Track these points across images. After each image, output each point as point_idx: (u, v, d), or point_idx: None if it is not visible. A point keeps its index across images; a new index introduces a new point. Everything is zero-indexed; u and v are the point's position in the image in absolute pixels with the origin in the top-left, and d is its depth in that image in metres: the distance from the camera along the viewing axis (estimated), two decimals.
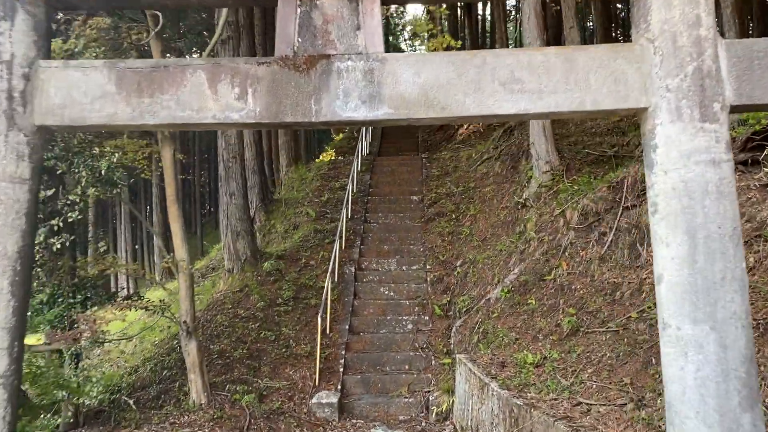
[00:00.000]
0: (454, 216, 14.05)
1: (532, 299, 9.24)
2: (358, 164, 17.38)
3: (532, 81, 3.11)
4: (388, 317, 11.35)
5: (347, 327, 11.04)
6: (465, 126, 22.73)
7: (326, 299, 10.82)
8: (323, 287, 11.78)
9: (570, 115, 3.25)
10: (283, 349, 10.34)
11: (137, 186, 49.44)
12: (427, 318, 11.24)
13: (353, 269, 12.68)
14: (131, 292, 35.31)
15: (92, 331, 7.37)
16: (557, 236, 10.00)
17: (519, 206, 12.21)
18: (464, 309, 10.54)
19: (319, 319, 9.96)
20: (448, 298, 11.34)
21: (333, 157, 19.75)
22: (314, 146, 33.48)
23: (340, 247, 13.31)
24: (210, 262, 20.27)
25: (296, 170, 19.87)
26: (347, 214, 14.71)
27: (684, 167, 2.94)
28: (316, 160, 19.90)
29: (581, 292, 8.70)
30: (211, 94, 3.17)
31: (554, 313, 8.68)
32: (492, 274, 10.82)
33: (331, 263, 11.35)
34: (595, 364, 6.89)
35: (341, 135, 27.60)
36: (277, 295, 11.62)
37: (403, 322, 11.26)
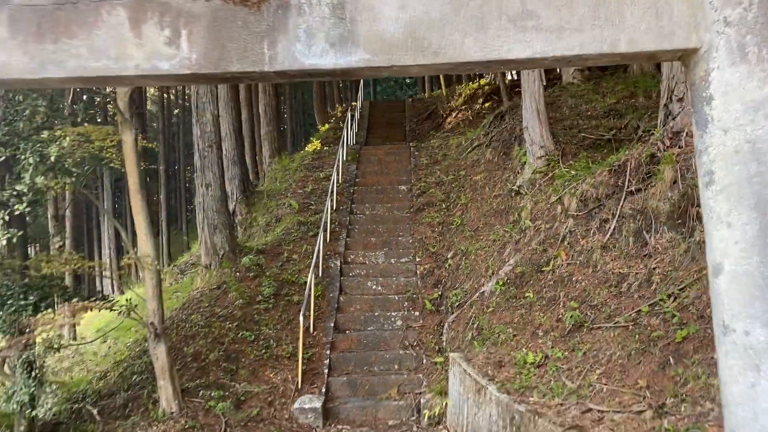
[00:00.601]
0: (444, 206, 13.37)
1: (530, 292, 8.59)
2: (343, 153, 16.65)
3: (551, 16, 2.40)
4: (376, 313, 10.66)
5: (332, 325, 10.34)
6: (454, 114, 22.08)
7: (309, 295, 10.11)
8: (306, 283, 11.08)
9: (598, 60, 2.55)
10: (263, 350, 9.63)
11: (119, 183, 48.32)
12: (417, 314, 10.55)
13: (339, 263, 11.98)
14: (115, 291, 34.43)
15: (47, 334, 6.63)
16: (555, 224, 9.34)
17: (512, 194, 11.54)
18: (457, 303, 9.87)
19: (302, 318, 9.25)
20: (440, 292, 10.67)
21: (318, 147, 19.00)
22: (300, 138, 32.70)
23: (325, 239, 12.60)
24: (191, 257, 19.50)
25: (280, 162, 19.09)
26: (332, 205, 13.99)
27: (751, 123, 2.26)
28: (301, 151, 19.14)
29: (583, 284, 8.05)
30: (133, 37, 2.44)
31: (554, 307, 8.02)
32: (486, 265, 10.15)
33: (314, 257, 10.64)
34: (604, 364, 6.23)
35: (326, 126, 26.86)
36: (257, 292, 10.89)
37: (392, 319, 10.57)
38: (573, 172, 10.17)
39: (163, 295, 8.75)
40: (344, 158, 16.68)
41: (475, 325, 8.98)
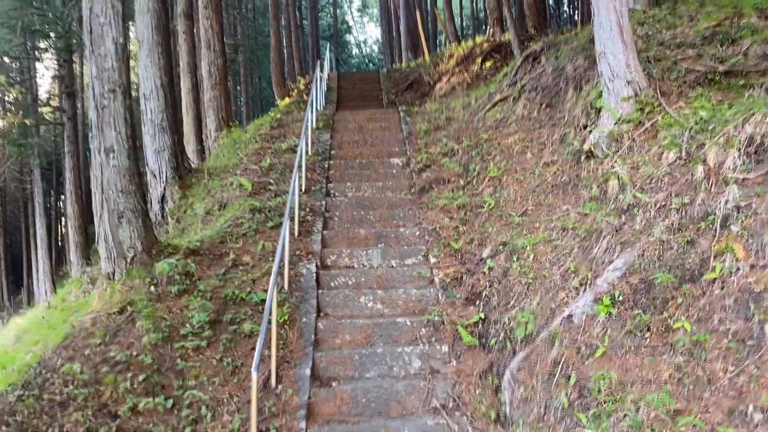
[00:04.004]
0: (462, 182, 9.32)
1: (682, 319, 4.63)
2: (312, 119, 12.45)
3: None
4: (378, 349, 6.56)
5: (308, 372, 6.19)
6: (445, 78, 18.07)
7: (269, 323, 5.97)
8: (263, 301, 6.91)
9: None
10: (188, 429, 5.42)
11: (50, 174, 43.15)
12: (445, 349, 6.49)
13: (314, 268, 7.82)
14: (48, 294, 29.32)
15: None
16: (698, 197, 5.38)
17: (579, 158, 7.57)
18: (522, 336, 5.81)
19: (254, 372, 5.02)
20: (481, 314, 6.60)
21: (278, 116, 14.73)
22: (257, 113, 28.19)
23: (292, 233, 8.45)
24: None
25: (229, 135, 14.75)
26: (301, 185, 9.81)
27: None
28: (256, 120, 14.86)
29: None
30: None
31: (745, 350, 4.10)
32: (563, 270, 6.13)
33: (276, 260, 6.44)
34: None
35: (287, 100, 22.57)
36: (184, 318, 6.65)
37: (405, 358, 6.49)
38: (693, 119, 6.24)
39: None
40: (314, 125, 12.48)
41: (570, 380, 4.96)
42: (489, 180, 8.73)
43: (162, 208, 11.63)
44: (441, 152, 10.49)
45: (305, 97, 21.56)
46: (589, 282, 5.66)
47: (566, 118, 8.47)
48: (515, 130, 9.45)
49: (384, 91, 21.62)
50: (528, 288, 6.31)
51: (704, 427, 3.77)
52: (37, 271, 34.34)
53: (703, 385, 4.12)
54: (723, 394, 3.96)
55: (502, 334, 6.09)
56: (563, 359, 5.18)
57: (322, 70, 18.98)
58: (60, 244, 45.82)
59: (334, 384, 6.18)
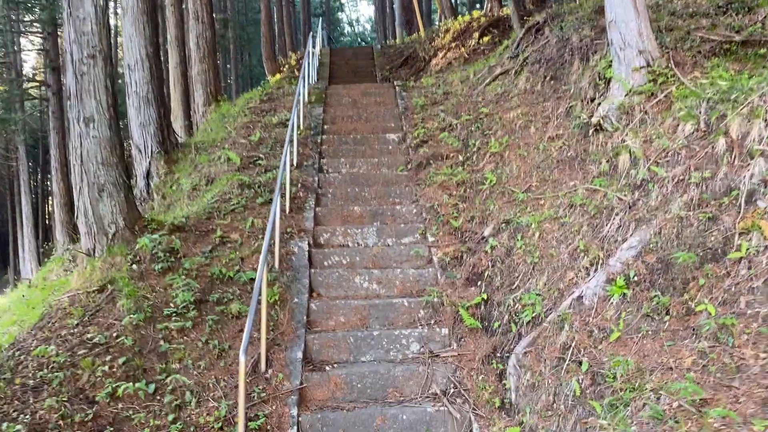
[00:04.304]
0: (461, 157, 8.92)
1: (701, 301, 4.28)
2: (304, 92, 11.98)
3: None
4: (374, 332, 6.20)
5: (300, 355, 5.83)
6: (441, 54, 17.59)
7: (259, 303, 5.59)
8: (252, 280, 6.53)
9: None
10: (171, 416, 5.05)
11: (36, 152, 42.39)
12: (445, 332, 6.14)
13: (306, 246, 7.44)
14: (33, 273, 28.75)
15: None
16: (719, 171, 5.01)
17: (587, 131, 7.18)
18: (528, 319, 5.45)
19: (242, 355, 4.63)
20: (484, 295, 6.23)
21: (268, 90, 14.23)
22: (247, 91, 27.63)
23: (283, 210, 8.05)
24: None
25: (217, 110, 14.25)
26: (292, 160, 9.39)
27: None
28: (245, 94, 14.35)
29: None
30: None
31: None
32: (570, 248, 5.77)
33: (266, 236, 6.04)
34: None
35: (278, 76, 22.02)
36: (167, 298, 6.25)
37: (403, 341, 6.14)
38: (712, 89, 5.87)
39: None
40: (306, 99, 12.02)
41: (582, 366, 4.62)
42: (490, 156, 8.34)
43: (147, 184, 11.18)
44: (439, 127, 10.07)
45: (297, 72, 21.02)
46: (600, 261, 5.31)
47: (572, 90, 8.07)
48: (517, 104, 9.04)
49: (378, 68, 21.10)
50: (533, 268, 5.95)
51: (737, 419, 3.43)
52: (23, 249, 33.78)
53: (731, 373, 3.78)
54: (755, 383, 3.62)
55: (506, 317, 5.74)
56: (574, 343, 4.84)
57: (314, 45, 18.42)
58: (47, 222, 45.16)
59: (327, 368, 5.82)
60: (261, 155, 9.63)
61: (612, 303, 4.89)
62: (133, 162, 11.55)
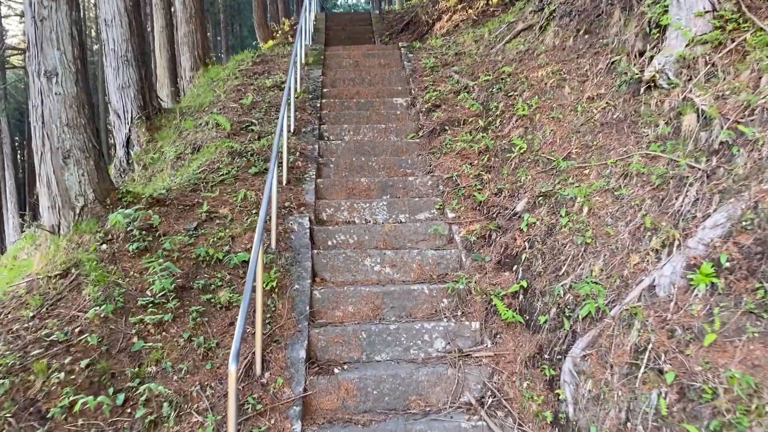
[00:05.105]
0: (481, 122, 7.85)
1: None
2: (301, 54, 10.84)
3: None
4: (391, 325, 5.19)
5: (302, 355, 4.81)
6: (446, 17, 16.38)
7: (253, 291, 4.58)
8: (245, 263, 5.49)
9: None
10: (146, 431, 4.06)
11: (21, 125, 40.93)
12: (476, 326, 5.14)
13: (307, 223, 6.39)
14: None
15: None
16: None
17: (636, 89, 6.12)
18: (585, 313, 4.44)
19: (232, 362, 3.59)
20: (523, 282, 5.21)
21: (261, 51, 13.05)
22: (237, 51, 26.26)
23: (280, 181, 7.00)
24: None
25: (206, 74, 13.05)
26: (289, 126, 8.31)
27: None
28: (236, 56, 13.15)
29: None
30: None
31: None
32: (632, 226, 4.75)
33: (262, 211, 4.99)
34: None
35: (270, 42, 20.75)
36: (143, 284, 5.22)
37: (425, 336, 5.14)
38: None
39: None
40: (303, 61, 10.88)
41: (665, 376, 3.63)
42: (517, 119, 7.28)
43: (127, 153, 10.06)
44: (453, 90, 8.99)
45: (290, 39, 19.79)
46: (676, 242, 4.29)
47: (614, 43, 6.99)
48: (546, 61, 7.95)
49: (377, 34, 19.85)
50: (585, 250, 4.93)
51: None
52: (7, 226, 32.57)
53: None
54: None
55: (554, 309, 4.74)
56: (650, 346, 3.84)
57: (309, 9, 17.17)
58: (36, 199, 43.83)
59: (336, 370, 4.82)
60: (254, 120, 8.53)
61: (697, 295, 3.88)
62: (112, 130, 10.41)
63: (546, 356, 4.55)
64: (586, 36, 7.66)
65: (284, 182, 7.07)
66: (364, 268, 5.99)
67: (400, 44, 12.39)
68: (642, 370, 3.79)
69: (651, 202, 4.81)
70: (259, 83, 10.00)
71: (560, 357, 4.40)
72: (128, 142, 10.02)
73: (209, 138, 8.28)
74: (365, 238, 6.45)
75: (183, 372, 4.52)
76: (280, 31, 21.20)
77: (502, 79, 8.35)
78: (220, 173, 7.09)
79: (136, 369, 4.50)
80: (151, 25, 14.03)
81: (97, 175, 6.38)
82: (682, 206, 4.53)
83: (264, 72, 10.69)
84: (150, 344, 4.70)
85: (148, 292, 5.12)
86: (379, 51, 11.92)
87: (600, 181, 5.43)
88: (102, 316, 4.85)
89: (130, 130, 9.97)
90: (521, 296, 5.13)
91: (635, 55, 6.50)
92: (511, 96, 7.82)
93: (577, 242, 5.04)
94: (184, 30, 14.19)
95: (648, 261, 4.40)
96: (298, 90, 9.60)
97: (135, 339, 4.75)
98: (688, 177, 4.69)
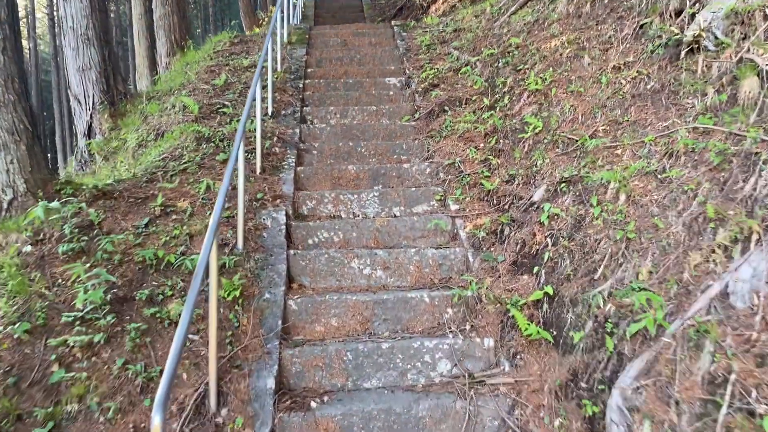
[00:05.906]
0: (486, 100, 6.82)
1: None
2: (283, 33, 9.79)
3: None
4: (383, 343, 4.16)
5: (271, 384, 3.77)
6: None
7: (205, 300, 3.54)
8: (204, 266, 4.41)
9: None
10: None
11: None
12: (490, 343, 4.13)
13: (283, 218, 5.35)
14: None
15: None
16: None
17: (675, 53, 5.10)
18: (634, 330, 3.41)
19: (157, 410, 2.58)
20: (548, 289, 4.17)
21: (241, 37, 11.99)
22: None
23: (252, 170, 5.97)
24: None
25: (182, 60, 11.98)
26: (266, 108, 7.27)
27: None
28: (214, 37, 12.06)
29: None
30: None
31: None
32: (687, 216, 3.73)
33: (219, 199, 3.95)
34: None
35: (257, 30, 19.65)
36: (73, 295, 4.18)
37: (425, 356, 4.11)
38: None
39: None
40: (285, 39, 9.83)
41: (760, 420, 2.61)
42: (529, 95, 6.25)
43: (89, 143, 8.99)
44: (452, 68, 7.97)
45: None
46: (754, 236, 3.28)
47: (641, 5, 5.97)
48: (560, 30, 6.93)
49: (368, 19, 18.85)
50: (626, 247, 3.91)
51: None
52: None
53: None
54: None
55: (590, 323, 3.71)
56: (732, 376, 2.83)
57: None
58: None
59: (313, 404, 3.78)
60: (226, 102, 7.48)
61: None
62: (72, 116, 9.35)
63: (583, 385, 3.53)
64: (605, 0, 6.64)
65: (258, 171, 6.03)
66: (351, 272, 4.97)
67: (392, 22, 11.34)
68: (724, 410, 2.78)
69: (710, 186, 3.79)
70: (235, 63, 8.95)
71: (603, 387, 3.38)
72: (89, 131, 8.96)
73: (175, 122, 7.23)
74: (353, 235, 5.42)
75: (111, 411, 3.48)
76: (267, 19, 20.11)
77: (509, 52, 7.32)
78: (183, 161, 6.05)
79: (51, 408, 3.46)
80: (129, 12, 13.09)
81: (29, 163, 5.33)
82: (755, 190, 3.51)
83: (242, 52, 9.64)
84: (73, 374, 3.66)
85: (76, 308, 4.08)
86: (370, 30, 10.89)
87: (638, 162, 4.40)
88: (15, 336, 3.81)
89: (91, 117, 8.90)
90: (546, 306, 4.11)
91: (670, 15, 5.48)
92: (520, 70, 6.79)
93: (616, 237, 4.02)
94: (159, 12, 13.11)
95: (715, 261, 3.38)
96: (279, 70, 8.56)
97: (55, 367, 3.70)
98: (759, 153, 3.67)
